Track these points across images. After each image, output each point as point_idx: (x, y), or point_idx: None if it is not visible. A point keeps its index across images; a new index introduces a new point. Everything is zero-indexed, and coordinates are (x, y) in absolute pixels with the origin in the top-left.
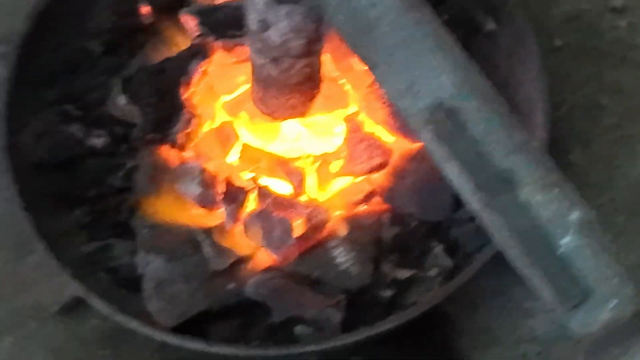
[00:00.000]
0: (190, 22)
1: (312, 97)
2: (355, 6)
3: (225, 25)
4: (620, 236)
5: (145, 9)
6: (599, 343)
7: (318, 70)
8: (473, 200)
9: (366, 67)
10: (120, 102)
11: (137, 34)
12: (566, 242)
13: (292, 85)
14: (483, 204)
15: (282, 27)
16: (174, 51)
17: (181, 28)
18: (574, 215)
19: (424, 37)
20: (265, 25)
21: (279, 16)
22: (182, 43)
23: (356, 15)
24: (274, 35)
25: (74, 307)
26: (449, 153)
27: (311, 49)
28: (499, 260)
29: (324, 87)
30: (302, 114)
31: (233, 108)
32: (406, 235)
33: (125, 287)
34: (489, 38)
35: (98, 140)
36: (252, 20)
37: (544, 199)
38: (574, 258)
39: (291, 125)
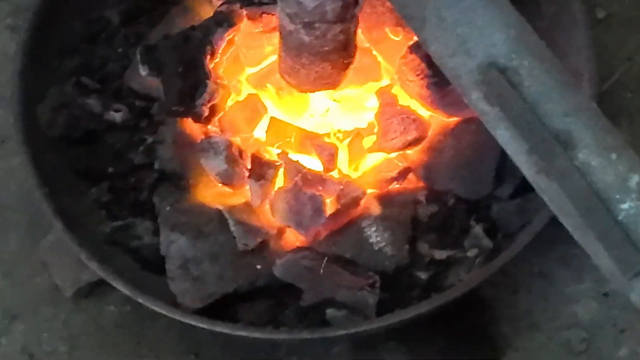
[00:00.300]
0: None
1: (345, 68)
2: None
3: None
4: None
5: None
6: None
7: (353, 38)
8: (527, 165)
9: (408, 30)
10: (142, 73)
11: (158, 2)
12: (626, 207)
13: (325, 53)
14: (538, 168)
15: None
16: (196, 20)
17: None
18: (634, 180)
19: None
20: None
21: None
22: (204, 12)
23: None
24: None
25: (92, 292)
26: (501, 115)
27: (347, 14)
28: (541, 242)
29: (357, 59)
30: (333, 86)
31: (259, 80)
32: (443, 214)
33: (148, 268)
34: (531, 6)
35: (117, 114)
36: None
37: (602, 162)
38: (635, 224)
39: (321, 99)
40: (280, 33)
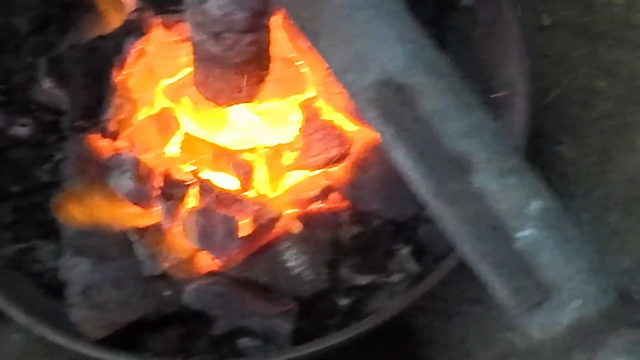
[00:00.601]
0: None
1: (260, 80)
2: None
3: (167, 0)
4: (613, 236)
5: None
6: (561, 348)
7: (266, 49)
8: (423, 189)
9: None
10: (46, 85)
11: (69, 9)
12: (525, 235)
13: (236, 65)
14: (433, 192)
15: None
16: (109, 29)
17: (119, 3)
18: (534, 205)
19: (372, 4)
20: None
21: None
22: (119, 20)
23: None
24: (214, 6)
25: None
26: (396, 134)
27: (257, 23)
28: None
29: (279, 69)
30: (249, 99)
31: (174, 93)
32: (368, 235)
33: (51, 294)
34: (466, 13)
35: (23, 129)
36: None
37: (501, 186)
38: (533, 253)
39: (241, 113)
40: (191, 43)
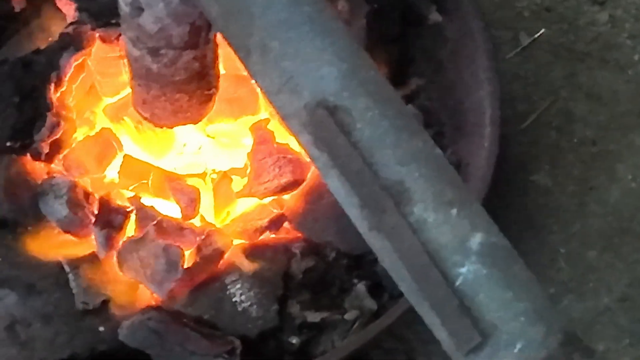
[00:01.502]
0: (67, 6)
1: (206, 100)
2: None
3: (109, 13)
4: (590, 273)
5: None
6: None
7: (212, 66)
8: (359, 220)
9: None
10: None
11: (6, 21)
12: (464, 271)
13: (178, 83)
14: (368, 224)
15: (157, 11)
16: (48, 43)
17: (60, 16)
18: (476, 240)
19: (304, 20)
20: (137, 8)
21: None
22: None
23: None
24: (149, 20)
25: None
26: (330, 161)
27: (199, 39)
28: None
29: (233, 88)
30: (194, 121)
31: (115, 112)
32: (321, 269)
33: None
34: (433, 31)
35: None
36: (122, 2)
37: (440, 219)
38: (473, 291)
39: (192, 134)
40: (128, 60)
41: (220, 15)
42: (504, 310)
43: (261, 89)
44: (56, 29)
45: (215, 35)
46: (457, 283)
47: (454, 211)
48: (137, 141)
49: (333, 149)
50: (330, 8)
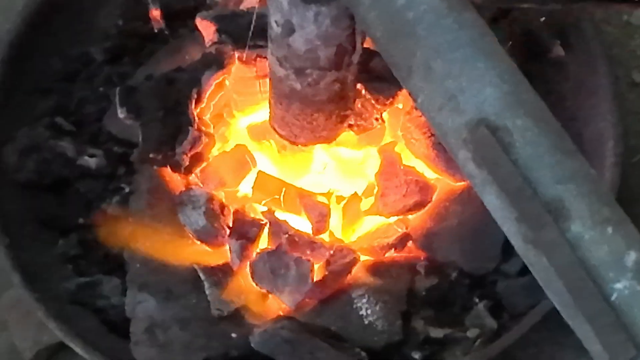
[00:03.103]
0: (207, 28)
1: (341, 120)
2: (391, 5)
3: (247, 35)
4: None
5: (155, 13)
6: None
7: (351, 88)
8: (515, 235)
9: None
10: (120, 115)
11: (145, 41)
12: (620, 287)
13: (318, 103)
14: (525, 239)
15: (308, 32)
16: (185, 62)
17: (195, 36)
18: (631, 258)
19: (468, 42)
20: (288, 29)
21: (305, 18)
22: (195, 53)
23: (391, 15)
24: (299, 41)
25: (54, 355)
26: (489, 178)
27: (343, 61)
28: (552, 325)
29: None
30: (328, 140)
31: (261, 133)
32: (444, 288)
33: (115, 331)
34: (556, 65)
35: (92, 160)
36: (273, 23)
37: (597, 236)
38: (629, 306)
39: (318, 155)
40: (270, 79)
41: (385, 35)
42: None
43: (420, 107)
44: (192, 50)
45: (355, 59)
46: (613, 298)
47: (610, 229)
48: (270, 158)
49: (493, 166)
50: (491, 32)
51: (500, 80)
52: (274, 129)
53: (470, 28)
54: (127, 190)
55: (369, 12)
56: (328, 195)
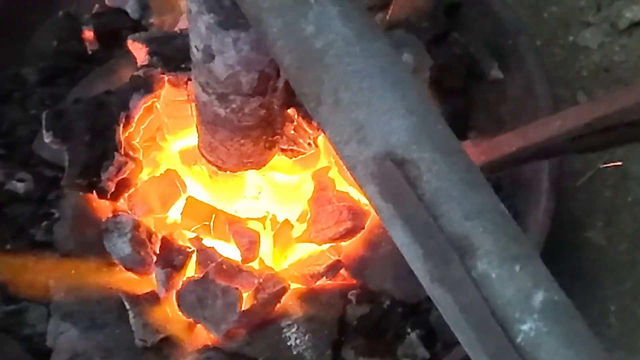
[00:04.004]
0: (139, 50)
1: (270, 146)
2: (299, 33)
3: (179, 57)
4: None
5: (88, 34)
6: None
7: (279, 113)
8: (422, 272)
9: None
10: (46, 140)
11: (80, 61)
12: (526, 329)
13: (244, 128)
14: (431, 276)
15: (228, 58)
16: (119, 83)
17: (130, 58)
18: (538, 297)
19: (377, 72)
20: (208, 54)
21: (224, 44)
22: (129, 75)
23: (299, 44)
24: (219, 66)
25: None
26: (395, 213)
27: (266, 86)
28: None
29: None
30: (258, 166)
31: (191, 157)
32: (376, 316)
33: (40, 359)
34: (495, 86)
35: (20, 185)
36: (194, 48)
37: (504, 274)
38: (535, 348)
39: (253, 179)
40: (196, 104)
41: (293, 64)
42: None
43: (329, 138)
44: (126, 71)
45: (281, 84)
46: (519, 339)
47: (517, 267)
48: (201, 183)
49: (399, 201)
50: (402, 60)
51: (408, 111)
52: (202, 155)
53: (380, 57)
54: (56, 215)
55: (277, 40)
56: (262, 219)
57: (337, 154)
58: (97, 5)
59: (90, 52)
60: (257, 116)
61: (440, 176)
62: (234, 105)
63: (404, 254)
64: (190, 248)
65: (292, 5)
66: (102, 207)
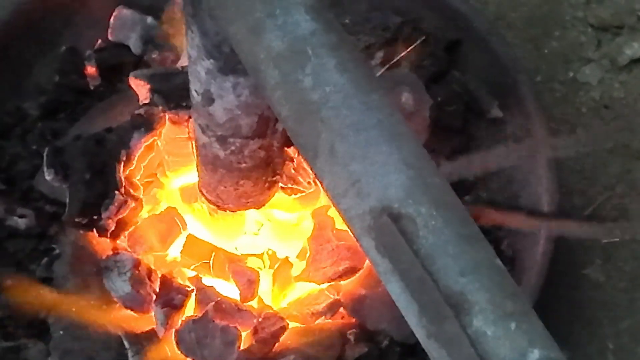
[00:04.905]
0: (141, 87)
1: (270, 186)
2: (296, 84)
3: (181, 95)
4: None
5: (91, 70)
6: None
7: (278, 154)
8: (418, 327)
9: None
10: (47, 177)
11: (82, 96)
12: None
13: (243, 169)
14: (426, 332)
15: (227, 102)
16: (120, 119)
17: (131, 93)
18: (534, 355)
19: (374, 124)
20: (208, 98)
21: (223, 88)
22: (131, 111)
23: (297, 96)
24: (219, 110)
25: None
26: (391, 268)
27: (266, 129)
28: None
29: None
30: (257, 206)
31: (192, 195)
32: (374, 356)
33: None
34: (495, 125)
35: (21, 221)
36: (193, 91)
37: (499, 332)
38: None
39: (253, 216)
40: (195, 145)
41: (291, 115)
42: None
43: (326, 190)
44: (127, 107)
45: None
46: None
47: (513, 325)
48: (201, 221)
49: (395, 255)
50: (399, 112)
51: (405, 164)
52: (202, 194)
53: (377, 109)
54: (57, 251)
55: (274, 91)
56: (260, 258)
57: (334, 206)
58: (99, 41)
59: (92, 87)
60: (257, 158)
61: (436, 231)
62: (233, 148)
63: (400, 309)
64: (189, 287)
65: (289, 57)
66: (102, 245)
